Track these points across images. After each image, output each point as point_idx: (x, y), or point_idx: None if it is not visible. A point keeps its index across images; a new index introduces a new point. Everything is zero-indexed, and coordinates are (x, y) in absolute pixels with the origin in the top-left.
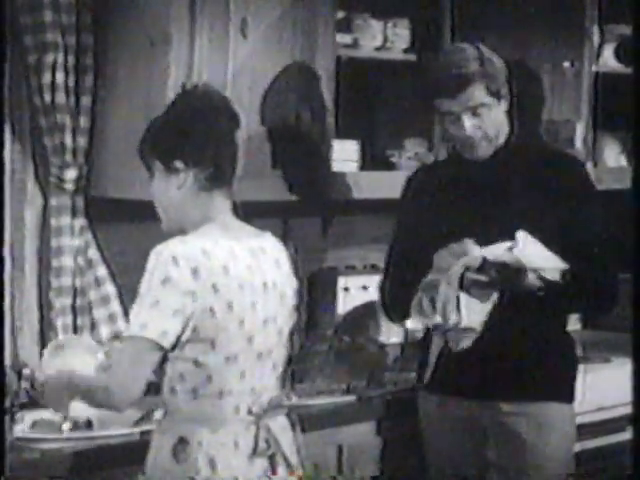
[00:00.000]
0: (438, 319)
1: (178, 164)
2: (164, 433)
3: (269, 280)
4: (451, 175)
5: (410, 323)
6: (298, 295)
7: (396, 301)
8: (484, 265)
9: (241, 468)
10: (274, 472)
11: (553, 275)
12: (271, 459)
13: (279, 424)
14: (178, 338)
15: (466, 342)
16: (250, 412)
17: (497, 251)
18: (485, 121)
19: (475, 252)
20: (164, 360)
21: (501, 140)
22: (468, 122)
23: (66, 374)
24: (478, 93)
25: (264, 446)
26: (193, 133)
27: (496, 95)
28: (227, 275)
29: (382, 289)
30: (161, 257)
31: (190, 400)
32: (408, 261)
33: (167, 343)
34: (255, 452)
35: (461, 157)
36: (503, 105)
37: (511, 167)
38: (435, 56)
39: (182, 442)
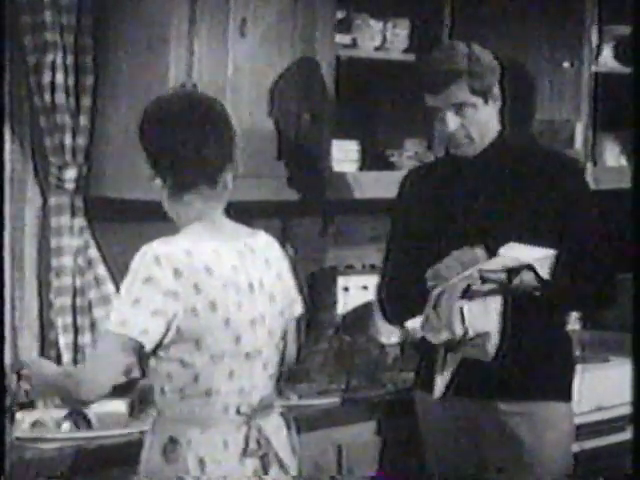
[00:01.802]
0: (446, 334)
1: (164, 163)
2: (155, 433)
3: (256, 280)
4: (444, 174)
5: (410, 323)
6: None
7: (393, 301)
8: (483, 276)
9: (231, 468)
10: (266, 472)
11: (544, 266)
12: (262, 459)
13: (273, 424)
14: (162, 338)
15: (490, 349)
16: (239, 412)
17: (488, 261)
18: (470, 120)
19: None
20: (141, 359)
21: (489, 139)
22: (451, 119)
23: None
24: (462, 91)
25: (255, 446)
26: (176, 134)
27: (482, 95)
28: (210, 275)
29: (379, 289)
30: (145, 257)
31: (178, 400)
32: (404, 262)
33: (148, 342)
34: (245, 452)
35: (454, 156)
36: (491, 105)
37: (503, 167)
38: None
39: (172, 442)
